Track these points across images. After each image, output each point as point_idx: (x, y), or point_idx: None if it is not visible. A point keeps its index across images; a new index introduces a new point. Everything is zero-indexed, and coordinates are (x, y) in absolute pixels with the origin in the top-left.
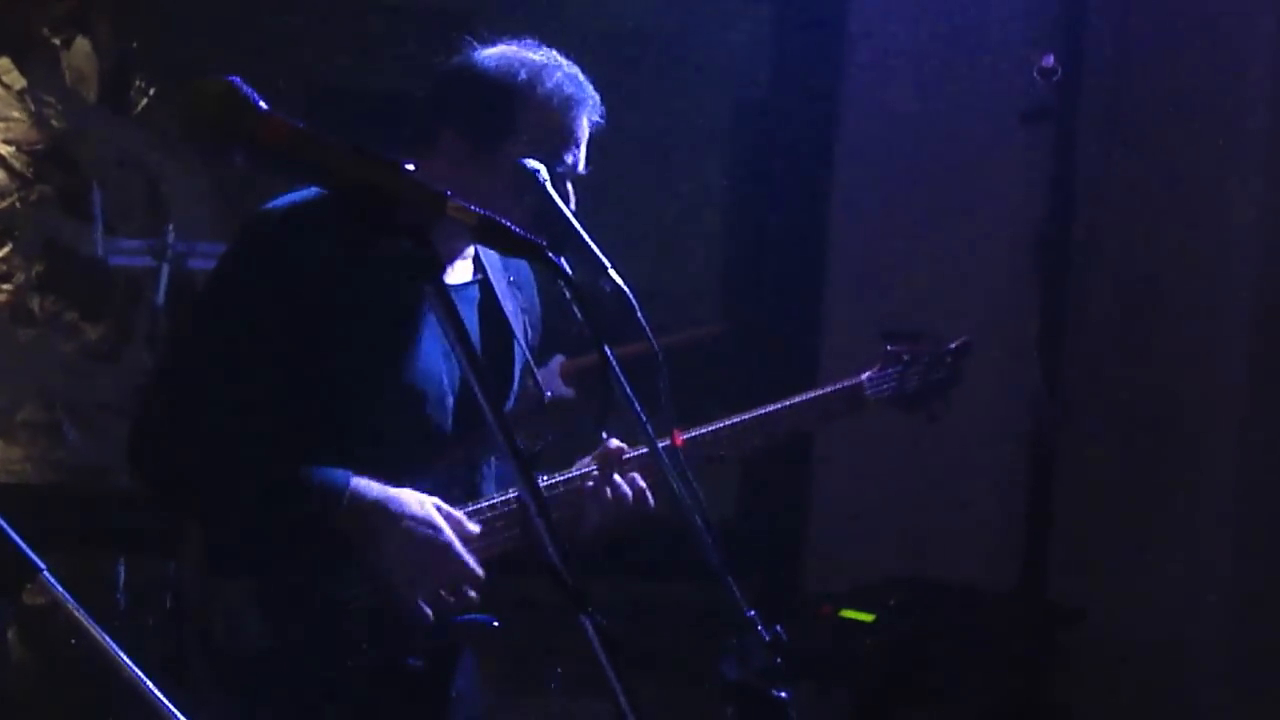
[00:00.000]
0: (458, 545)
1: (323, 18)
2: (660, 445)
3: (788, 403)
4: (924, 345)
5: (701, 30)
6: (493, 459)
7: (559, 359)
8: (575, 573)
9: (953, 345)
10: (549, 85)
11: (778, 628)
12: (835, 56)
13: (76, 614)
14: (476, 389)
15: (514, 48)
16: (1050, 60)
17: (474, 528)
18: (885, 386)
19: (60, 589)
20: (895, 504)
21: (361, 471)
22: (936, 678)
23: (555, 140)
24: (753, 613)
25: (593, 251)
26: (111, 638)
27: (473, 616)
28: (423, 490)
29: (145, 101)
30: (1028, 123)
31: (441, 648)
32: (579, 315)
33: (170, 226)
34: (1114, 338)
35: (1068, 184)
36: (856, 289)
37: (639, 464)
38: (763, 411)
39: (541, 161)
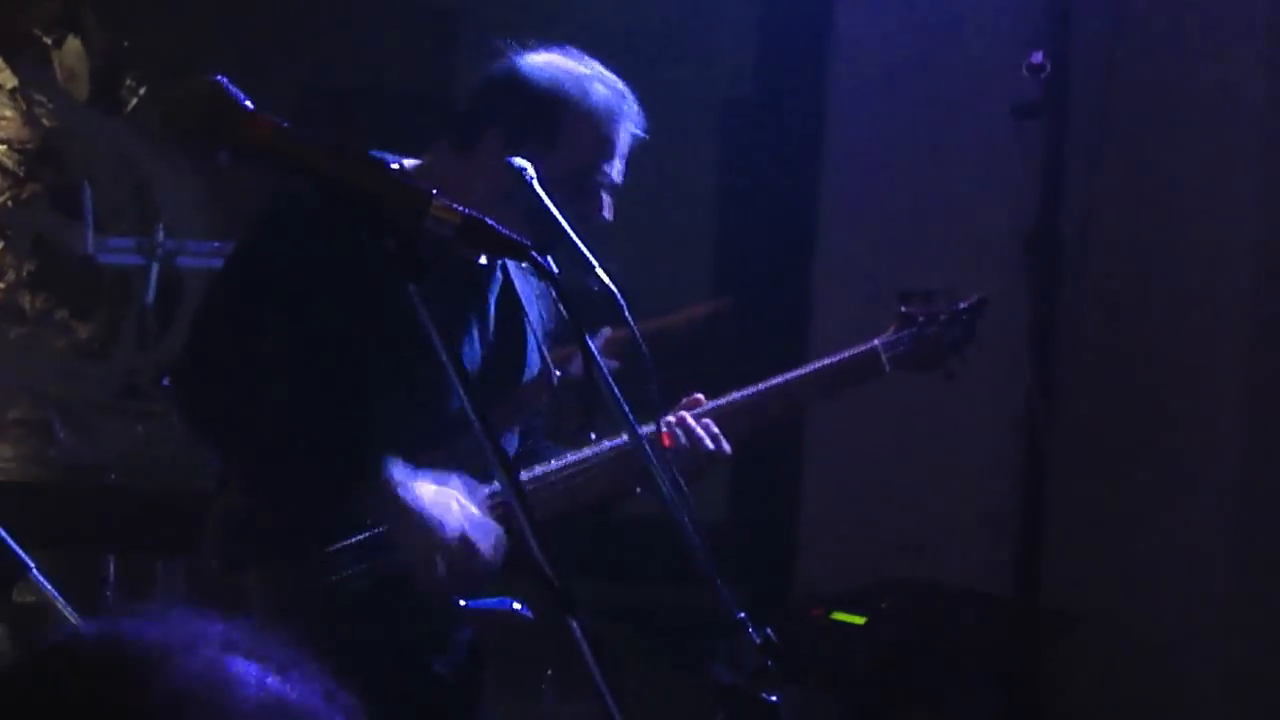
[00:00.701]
0: (472, 536)
1: (314, 16)
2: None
3: (803, 370)
4: (938, 304)
5: (688, 27)
6: (514, 435)
7: (606, 331)
8: (562, 574)
9: (966, 303)
10: (594, 97)
11: (768, 630)
12: (822, 53)
13: (65, 612)
14: (459, 387)
15: (560, 57)
16: (1039, 56)
17: (490, 520)
18: (900, 348)
19: (49, 587)
20: (887, 506)
21: (385, 442)
22: (928, 681)
23: (596, 150)
24: (743, 615)
25: (581, 250)
26: None
27: (493, 601)
28: (441, 467)
29: (136, 100)
30: (1017, 119)
31: (465, 651)
32: (564, 314)
33: (160, 225)
34: (1106, 337)
35: (1058, 180)
36: (845, 286)
37: (713, 413)
38: (779, 381)
39: (583, 170)
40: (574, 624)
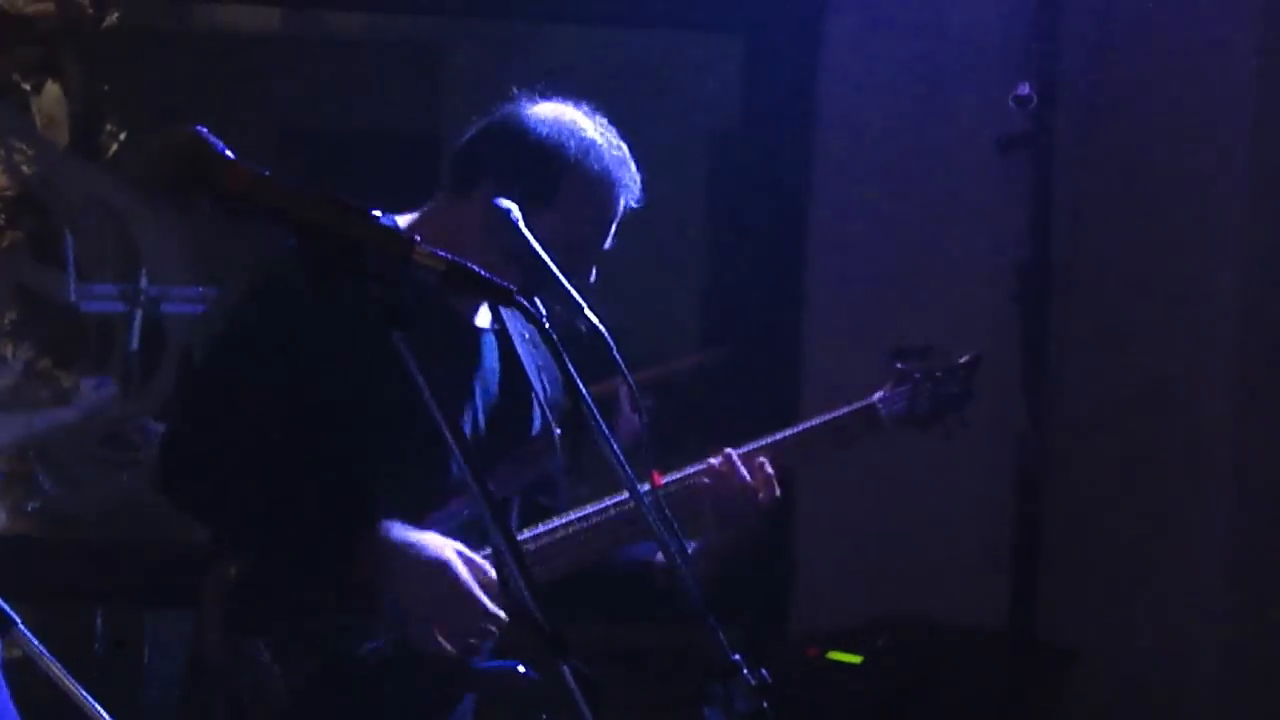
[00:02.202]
0: (475, 590)
1: (294, 57)
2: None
3: (802, 427)
4: (934, 361)
5: (675, 63)
6: (517, 498)
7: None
8: (552, 618)
9: (962, 360)
10: (595, 163)
11: (763, 671)
12: (809, 88)
13: (53, 667)
14: (448, 436)
15: (568, 112)
16: (1026, 89)
17: (493, 573)
18: (898, 405)
19: (35, 642)
20: (882, 544)
21: (383, 508)
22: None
23: (590, 216)
24: (738, 656)
25: (569, 292)
26: (88, 689)
27: (498, 664)
28: (444, 530)
29: (116, 146)
30: (1004, 151)
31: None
32: (553, 358)
33: (143, 271)
34: (1098, 369)
35: (1045, 211)
36: (835, 320)
37: (765, 451)
38: (777, 437)
39: (573, 233)
40: (566, 669)
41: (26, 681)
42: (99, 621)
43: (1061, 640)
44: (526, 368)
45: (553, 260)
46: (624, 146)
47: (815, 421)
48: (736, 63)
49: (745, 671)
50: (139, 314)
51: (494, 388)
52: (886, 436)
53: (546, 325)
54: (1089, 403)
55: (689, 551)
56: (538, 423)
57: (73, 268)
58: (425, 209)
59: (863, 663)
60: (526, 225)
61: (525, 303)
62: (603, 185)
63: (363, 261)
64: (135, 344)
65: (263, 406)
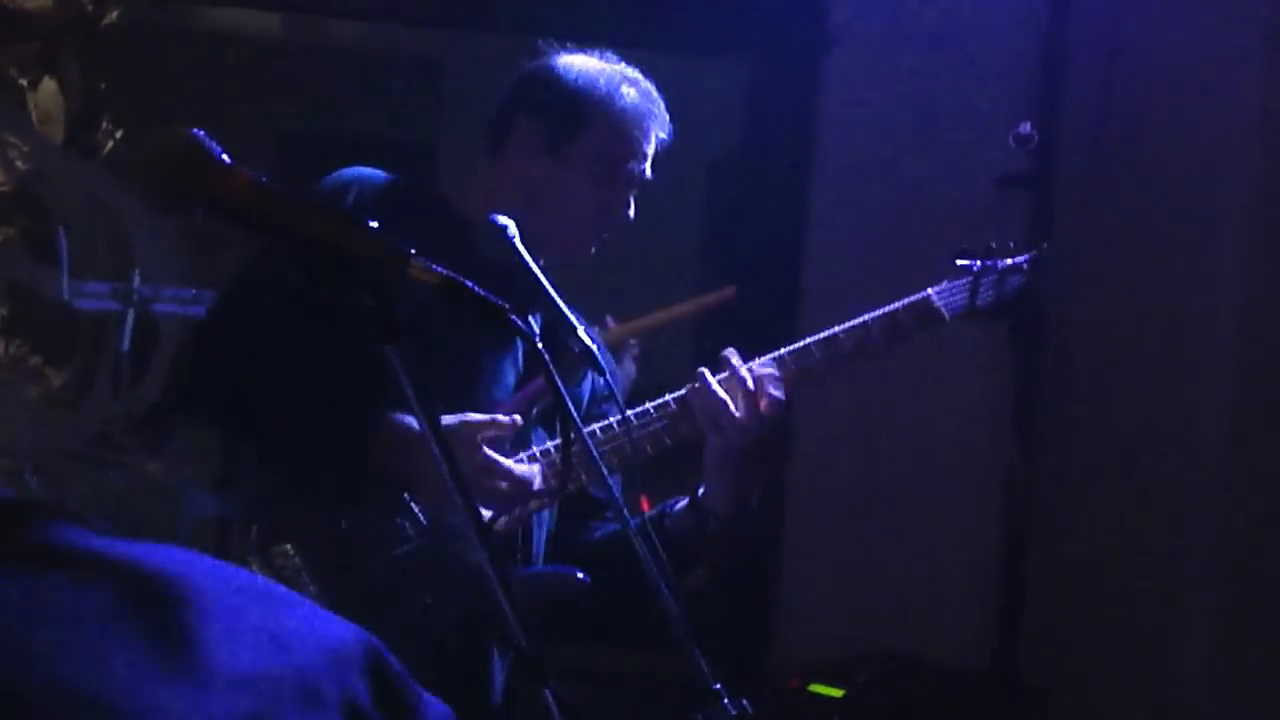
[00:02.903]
0: (495, 456)
1: (293, 63)
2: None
3: (855, 322)
4: (996, 254)
5: (675, 89)
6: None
7: (610, 322)
8: (535, 642)
9: (1027, 257)
10: (624, 96)
11: (745, 702)
12: (810, 120)
13: None
14: (436, 450)
15: (592, 57)
16: (1027, 127)
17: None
18: (956, 298)
19: None
20: (866, 579)
21: None
22: None
23: (624, 146)
24: (719, 685)
25: (562, 310)
26: None
27: (555, 568)
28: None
29: (112, 144)
30: (1004, 189)
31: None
32: (543, 374)
33: (136, 271)
34: (1090, 407)
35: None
36: None
37: (807, 351)
38: (828, 333)
39: (610, 160)
40: (547, 693)
41: None
42: None
43: (1044, 678)
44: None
45: (586, 196)
46: (651, 86)
47: (868, 316)
48: (738, 89)
49: (726, 701)
50: (131, 313)
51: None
52: (869, 450)
53: (538, 343)
54: (1079, 442)
55: (693, 504)
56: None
57: (65, 265)
58: (466, 181)
59: (845, 696)
60: (559, 159)
61: (517, 321)
62: (632, 113)
63: (359, 273)
64: (126, 344)
65: (277, 329)
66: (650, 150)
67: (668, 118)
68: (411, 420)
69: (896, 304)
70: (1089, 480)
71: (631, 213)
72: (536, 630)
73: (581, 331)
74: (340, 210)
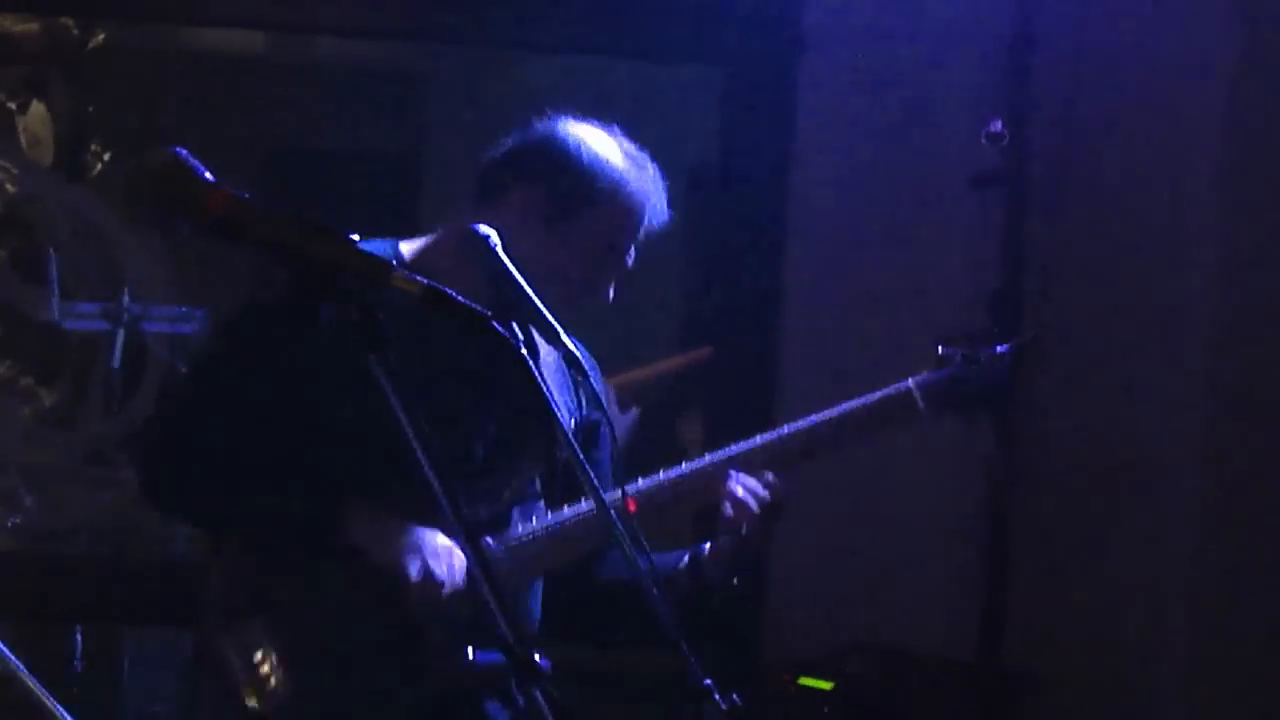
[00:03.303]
0: (454, 554)
1: (278, 81)
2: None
3: (830, 413)
4: (979, 346)
5: (653, 95)
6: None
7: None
8: (525, 642)
9: (1009, 345)
10: (632, 180)
11: (734, 696)
12: (786, 122)
13: (30, 684)
14: (420, 455)
15: (601, 132)
16: (999, 125)
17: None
18: (937, 391)
19: (12, 659)
20: (852, 571)
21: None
22: None
23: (620, 232)
24: (709, 681)
25: (547, 319)
26: (66, 707)
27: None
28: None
29: (101, 166)
30: (977, 188)
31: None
32: (529, 383)
33: (126, 290)
34: (1067, 402)
35: (1017, 247)
36: (811, 354)
37: (786, 442)
38: (805, 424)
39: (603, 246)
40: (538, 692)
41: (3, 698)
42: (78, 639)
43: (1029, 667)
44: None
45: (573, 272)
46: (655, 170)
47: (845, 406)
48: (714, 96)
49: (716, 696)
50: (121, 332)
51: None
52: (925, 425)
53: (522, 350)
54: (1057, 435)
55: (683, 564)
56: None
57: (56, 286)
58: (441, 232)
59: (833, 689)
60: (556, 233)
61: (500, 328)
62: (637, 201)
63: (341, 285)
64: (117, 362)
65: (245, 413)
66: (641, 237)
67: (665, 202)
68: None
69: (874, 395)
70: (1068, 471)
71: (610, 297)
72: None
73: (565, 337)
74: (323, 224)
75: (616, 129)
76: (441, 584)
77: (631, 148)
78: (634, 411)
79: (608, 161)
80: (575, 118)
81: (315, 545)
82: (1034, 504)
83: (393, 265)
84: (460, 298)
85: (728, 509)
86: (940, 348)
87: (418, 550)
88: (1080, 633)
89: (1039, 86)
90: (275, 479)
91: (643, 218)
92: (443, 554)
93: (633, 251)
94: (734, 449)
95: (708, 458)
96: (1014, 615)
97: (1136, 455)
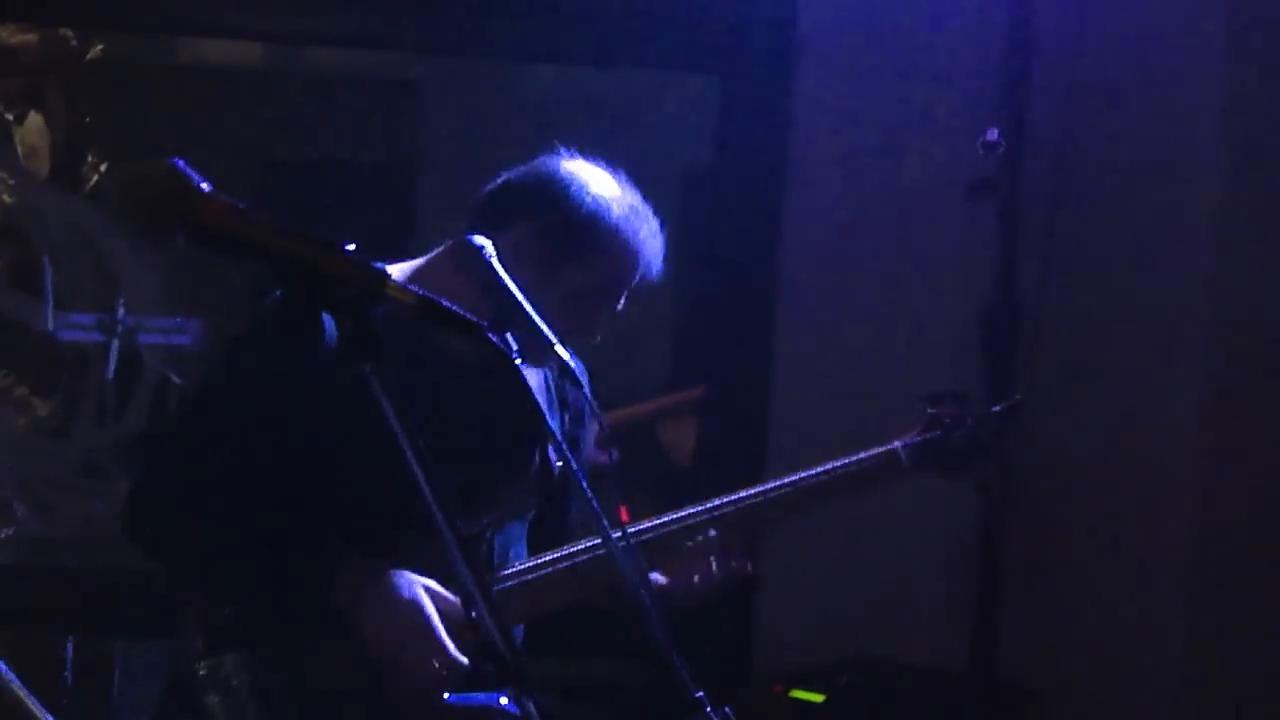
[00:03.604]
0: (440, 632)
1: (272, 91)
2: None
3: (819, 470)
4: (968, 408)
5: (648, 101)
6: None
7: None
8: (516, 652)
9: (997, 409)
10: (631, 236)
11: (727, 709)
12: (781, 129)
13: (21, 695)
14: (415, 470)
15: (608, 179)
16: (994, 134)
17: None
18: (925, 451)
19: (5, 669)
20: (846, 584)
21: (358, 545)
22: None
23: (613, 283)
24: (701, 693)
25: (540, 329)
26: (57, 718)
27: (479, 696)
28: (422, 567)
29: (97, 177)
30: (972, 196)
31: None
32: (521, 395)
33: (121, 302)
34: (1062, 412)
35: (1013, 256)
36: (804, 362)
37: (775, 498)
38: (791, 482)
39: (592, 292)
40: (530, 704)
41: None
42: (69, 649)
43: (1021, 680)
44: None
45: (562, 314)
46: (657, 227)
47: (833, 465)
48: (710, 103)
49: (709, 708)
50: (115, 344)
51: (492, 420)
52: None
53: (517, 360)
54: (1053, 447)
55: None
56: (537, 459)
57: (50, 297)
58: (438, 250)
59: (825, 701)
60: (550, 275)
61: (494, 338)
62: (634, 252)
63: (336, 296)
64: (111, 374)
65: (236, 454)
66: (630, 289)
67: (661, 258)
68: (371, 565)
69: (861, 455)
70: (1063, 482)
71: (597, 340)
72: (518, 643)
73: (559, 349)
74: (318, 235)
75: (624, 178)
76: (430, 667)
77: (634, 197)
78: (613, 455)
79: (609, 210)
80: (579, 155)
81: (301, 605)
82: (1027, 517)
83: (388, 275)
84: (454, 307)
85: (698, 571)
86: (929, 409)
87: (407, 628)
88: (1073, 646)
89: (1036, 95)
90: (266, 533)
91: (637, 270)
92: (426, 627)
93: (624, 300)
94: (722, 504)
95: (695, 509)
96: (1007, 628)
97: (1131, 467)
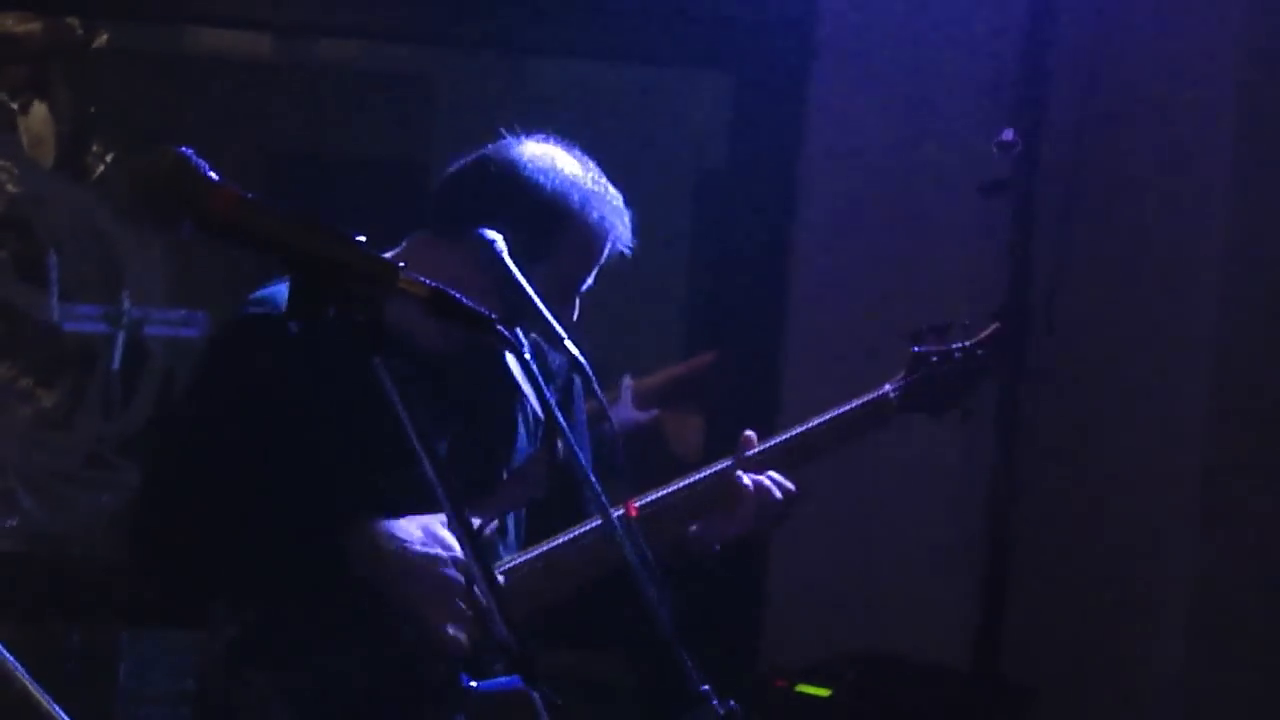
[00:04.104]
0: (456, 579)
1: (280, 82)
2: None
3: (810, 424)
4: (953, 340)
5: (663, 99)
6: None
7: (628, 381)
8: (523, 643)
9: (983, 335)
10: (595, 215)
11: (732, 703)
12: (795, 129)
13: (28, 685)
14: (426, 462)
15: (560, 157)
16: (1010, 134)
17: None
18: (913, 392)
19: (11, 659)
20: (851, 579)
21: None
22: None
23: (584, 264)
24: (707, 687)
25: (549, 322)
26: (63, 709)
27: (499, 681)
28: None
29: (103, 168)
30: (987, 196)
31: None
32: (530, 386)
33: (126, 293)
34: (1071, 412)
35: (1026, 257)
36: (816, 360)
37: (773, 453)
38: (786, 436)
39: (567, 281)
40: (535, 695)
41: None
42: (73, 640)
43: (1027, 678)
44: (518, 391)
45: (537, 297)
46: (617, 192)
47: (826, 415)
48: (725, 100)
49: (714, 702)
50: (121, 335)
51: (460, 417)
52: (853, 453)
53: (527, 355)
54: (1061, 444)
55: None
56: (523, 449)
57: (55, 288)
58: (402, 247)
59: (831, 696)
60: (523, 272)
61: (505, 332)
62: (599, 235)
63: (347, 287)
64: (117, 365)
65: (233, 456)
66: (603, 261)
67: (629, 226)
68: (388, 527)
69: (853, 403)
70: (1070, 480)
71: (575, 316)
72: (527, 634)
73: (569, 343)
74: (328, 225)
75: (579, 153)
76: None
77: (595, 172)
78: (653, 412)
79: (569, 192)
80: (533, 135)
81: (318, 584)
82: (1034, 513)
83: (399, 268)
84: (465, 300)
85: (749, 492)
86: (914, 347)
87: (427, 583)
88: (1079, 644)
89: (1052, 96)
90: (270, 528)
91: (606, 246)
92: (443, 578)
93: (593, 276)
94: (721, 464)
95: (704, 472)
96: (1012, 625)
97: (1139, 466)
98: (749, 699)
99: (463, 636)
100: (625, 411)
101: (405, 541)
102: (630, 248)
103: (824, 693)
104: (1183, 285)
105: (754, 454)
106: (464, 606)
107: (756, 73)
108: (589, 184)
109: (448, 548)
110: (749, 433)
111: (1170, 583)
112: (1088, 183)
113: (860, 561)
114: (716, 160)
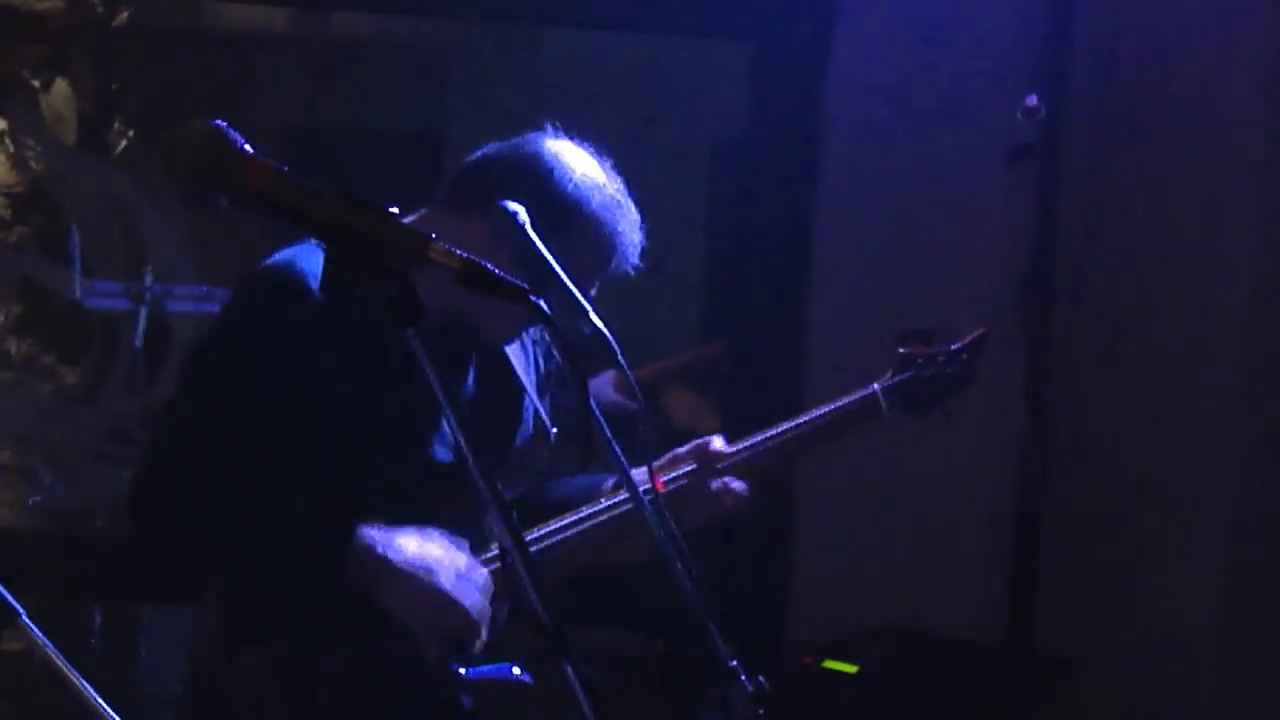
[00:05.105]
0: (455, 597)
1: (300, 58)
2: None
3: (801, 419)
4: (937, 344)
5: (681, 70)
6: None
7: (609, 374)
8: (557, 620)
9: (967, 340)
10: (609, 225)
11: (760, 679)
12: (816, 97)
13: (55, 659)
14: (458, 436)
15: (589, 162)
16: (1034, 100)
17: (483, 571)
18: (899, 392)
19: (39, 634)
20: (880, 554)
21: (366, 513)
22: None
23: (586, 271)
24: (735, 663)
25: (574, 294)
26: (87, 683)
27: (491, 668)
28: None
29: (125, 144)
30: (1012, 162)
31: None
32: (560, 358)
33: (148, 269)
34: (1101, 381)
35: (1052, 223)
36: (839, 330)
37: (738, 465)
38: (776, 432)
39: (574, 282)
40: (569, 669)
41: (28, 674)
42: (96, 617)
43: (1059, 652)
44: (516, 365)
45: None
46: (636, 212)
47: (815, 413)
48: (744, 70)
49: (742, 678)
50: (144, 311)
51: (470, 393)
52: (887, 424)
53: (557, 326)
54: (1091, 415)
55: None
56: (529, 424)
57: (78, 264)
58: (417, 216)
59: (858, 672)
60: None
61: (538, 303)
62: (609, 241)
63: (380, 258)
64: (139, 341)
65: (246, 426)
66: (605, 272)
67: (639, 250)
68: (380, 533)
69: (842, 401)
70: (1101, 452)
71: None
72: (558, 608)
73: (593, 315)
74: (359, 197)
75: (607, 163)
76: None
77: (617, 185)
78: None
79: (589, 198)
80: (564, 135)
81: (315, 587)
82: (1066, 488)
83: (431, 238)
84: (498, 272)
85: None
86: (900, 348)
87: (424, 599)
88: (1113, 617)
89: (1077, 61)
90: (283, 507)
91: (611, 261)
92: (441, 596)
93: (593, 288)
94: (619, 498)
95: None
96: (1045, 600)
97: (1172, 438)
98: (776, 675)
99: (433, 651)
100: (606, 392)
101: (433, 573)
102: (635, 268)
103: (851, 669)
104: (1212, 249)
105: (724, 466)
106: (480, 637)
107: (776, 40)
108: (611, 193)
109: (478, 587)
110: (717, 443)
111: (1205, 554)
112: (1113, 147)
113: (887, 535)
114: (736, 130)
